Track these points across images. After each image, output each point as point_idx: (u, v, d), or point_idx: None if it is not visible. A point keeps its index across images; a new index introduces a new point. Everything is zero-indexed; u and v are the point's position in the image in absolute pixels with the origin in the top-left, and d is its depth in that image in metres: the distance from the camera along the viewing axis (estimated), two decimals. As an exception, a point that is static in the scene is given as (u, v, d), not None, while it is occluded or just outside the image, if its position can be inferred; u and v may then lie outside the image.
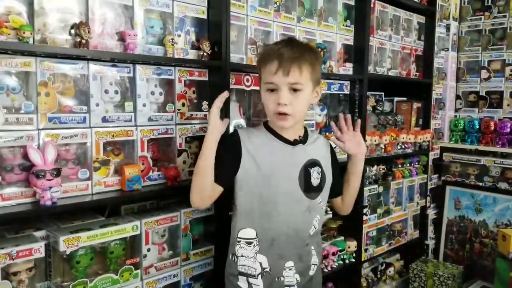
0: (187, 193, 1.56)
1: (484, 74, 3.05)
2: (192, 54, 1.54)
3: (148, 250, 1.43)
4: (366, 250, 2.27)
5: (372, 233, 2.32)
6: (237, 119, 1.69)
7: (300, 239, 1.31)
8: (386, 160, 2.40)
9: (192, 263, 1.55)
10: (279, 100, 1.22)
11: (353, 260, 2.15)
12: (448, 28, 3.01)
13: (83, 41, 1.23)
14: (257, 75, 1.38)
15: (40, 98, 1.21)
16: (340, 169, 1.50)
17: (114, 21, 1.36)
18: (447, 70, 3.03)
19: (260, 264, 1.27)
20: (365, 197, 2.20)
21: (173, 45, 1.45)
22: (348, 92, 2.14)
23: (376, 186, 2.28)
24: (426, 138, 2.60)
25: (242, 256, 1.29)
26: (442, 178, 3.02)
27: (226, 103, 1.57)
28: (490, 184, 2.82)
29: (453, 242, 2.90)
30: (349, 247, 2.12)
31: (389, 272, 2.57)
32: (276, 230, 1.27)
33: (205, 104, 1.59)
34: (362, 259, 2.24)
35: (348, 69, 2.14)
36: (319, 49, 1.89)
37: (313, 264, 1.36)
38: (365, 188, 2.18)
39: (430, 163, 2.84)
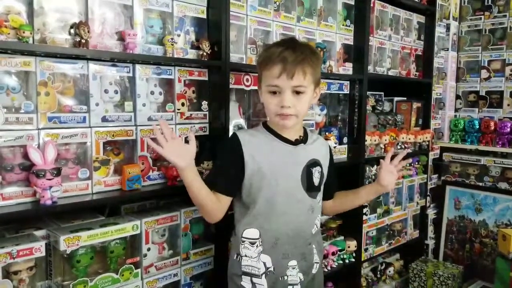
0: (187, 193, 1.56)
1: (484, 74, 3.05)
2: (191, 54, 1.54)
3: (148, 249, 1.43)
4: (366, 249, 2.27)
5: (372, 233, 2.32)
6: (236, 119, 1.69)
7: (303, 238, 1.32)
8: (386, 159, 2.40)
9: (192, 262, 1.56)
10: (283, 103, 1.22)
11: (353, 259, 2.15)
12: (448, 27, 3.01)
13: (83, 41, 1.23)
14: (256, 74, 1.38)
15: (40, 97, 1.21)
16: (334, 172, 1.51)
17: (114, 20, 1.37)
18: (447, 70, 3.03)
19: (264, 263, 1.28)
20: (365, 197, 2.20)
21: (172, 44, 1.45)
22: (348, 92, 2.14)
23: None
24: (426, 138, 2.60)
25: (246, 256, 1.29)
26: (442, 178, 3.02)
27: (226, 104, 1.57)
28: (490, 184, 2.82)
29: (453, 242, 2.90)
30: (349, 247, 2.12)
31: (389, 272, 2.57)
32: (279, 230, 1.28)
33: (204, 104, 1.59)
34: (362, 259, 2.24)
35: (347, 69, 2.14)
36: (319, 49, 1.89)
37: (315, 263, 1.37)
38: (365, 188, 2.18)
39: (430, 163, 2.84)
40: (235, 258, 1.33)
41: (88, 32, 1.24)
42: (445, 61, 3.02)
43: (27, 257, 1.17)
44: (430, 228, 2.91)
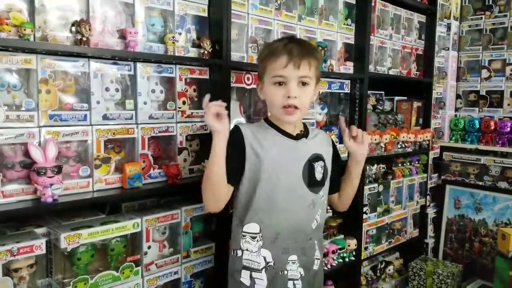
0: (188, 191, 1.56)
1: (484, 73, 3.05)
2: (192, 52, 1.54)
3: (149, 247, 1.44)
4: (366, 248, 2.27)
5: (372, 232, 2.32)
6: (237, 118, 1.69)
7: (304, 233, 1.32)
8: (386, 159, 2.40)
9: (192, 260, 1.56)
10: (289, 93, 1.23)
11: (353, 258, 2.16)
12: (448, 27, 3.01)
13: (84, 39, 1.23)
14: (257, 73, 1.38)
15: (41, 95, 1.21)
16: (341, 166, 1.50)
17: (115, 18, 1.37)
18: (448, 69, 3.03)
19: (264, 258, 1.28)
20: (365, 196, 2.20)
21: (174, 43, 1.45)
22: (349, 91, 2.14)
23: (376, 185, 2.28)
24: (426, 137, 2.60)
25: (247, 250, 1.29)
26: (442, 177, 3.03)
27: (226, 103, 1.57)
28: (490, 183, 2.82)
29: (453, 241, 2.91)
30: (349, 246, 2.12)
31: (389, 270, 2.57)
32: (280, 225, 1.28)
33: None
34: (362, 258, 2.24)
35: (348, 68, 2.14)
36: (320, 48, 1.90)
37: (316, 259, 1.36)
38: (365, 187, 2.18)
39: (430, 162, 2.84)
40: (234, 254, 1.33)
41: (89, 30, 1.24)
42: (445, 61, 3.02)
43: (28, 255, 1.17)
44: (430, 227, 2.92)
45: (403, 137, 2.40)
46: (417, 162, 2.65)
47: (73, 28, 1.25)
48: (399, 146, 2.41)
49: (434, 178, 2.99)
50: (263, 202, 1.27)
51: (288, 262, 1.29)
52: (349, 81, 2.12)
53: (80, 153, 1.32)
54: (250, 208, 1.28)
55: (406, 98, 2.67)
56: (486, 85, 3.05)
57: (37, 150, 1.17)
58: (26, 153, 1.18)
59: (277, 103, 1.26)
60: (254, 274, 1.29)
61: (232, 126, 1.60)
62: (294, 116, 1.26)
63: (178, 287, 1.54)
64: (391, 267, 2.58)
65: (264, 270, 1.28)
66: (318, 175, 1.33)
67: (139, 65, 1.40)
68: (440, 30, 2.87)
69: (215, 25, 1.57)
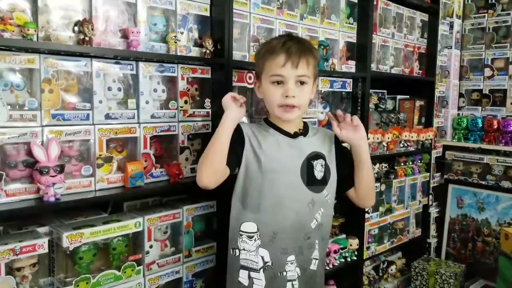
0: (190, 190, 1.56)
1: (487, 72, 3.04)
2: (194, 52, 1.54)
3: (151, 246, 1.44)
4: (368, 248, 2.27)
5: (374, 231, 2.32)
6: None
7: (301, 232, 1.29)
8: (388, 158, 2.40)
9: (194, 259, 1.56)
10: (288, 93, 1.23)
11: (355, 258, 2.15)
12: (451, 25, 3.00)
13: (87, 38, 1.23)
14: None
15: (43, 95, 1.22)
16: (350, 159, 1.43)
17: (117, 18, 1.37)
18: (450, 68, 3.02)
19: (262, 258, 1.27)
20: (367, 195, 2.20)
21: (176, 42, 1.45)
22: (351, 90, 2.13)
23: (378, 184, 2.28)
24: (429, 136, 2.60)
25: (244, 249, 1.29)
26: (445, 176, 3.02)
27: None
28: (493, 182, 2.81)
29: (455, 240, 2.90)
30: (351, 245, 2.12)
31: (391, 270, 2.57)
32: (277, 224, 1.27)
33: (207, 101, 1.60)
34: (364, 257, 2.24)
35: (350, 66, 2.14)
36: (322, 47, 1.90)
37: (314, 258, 1.33)
38: (367, 186, 2.18)
39: (433, 161, 2.83)
40: (232, 253, 1.32)
41: (92, 29, 1.24)
42: (448, 59, 3.00)
43: (30, 254, 1.17)
44: (433, 227, 2.91)
45: (406, 136, 2.39)
46: (419, 161, 2.64)
47: (76, 28, 1.25)
48: (401, 145, 2.40)
49: (436, 178, 2.98)
50: (260, 201, 1.26)
51: (287, 263, 1.28)
52: (351, 80, 2.12)
53: (82, 152, 1.32)
54: (247, 207, 1.28)
55: (408, 97, 2.66)
56: (489, 84, 3.04)
57: (40, 149, 1.18)
58: (29, 153, 1.19)
59: (275, 102, 1.26)
60: (252, 274, 1.28)
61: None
62: (292, 114, 1.26)
63: (179, 286, 1.54)
64: (393, 267, 2.58)
65: (262, 270, 1.27)
66: (318, 174, 1.32)
67: (141, 64, 1.41)
68: (442, 28, 2.86)
69: (217, 24, 1.57)
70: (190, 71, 1.54)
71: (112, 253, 1.36)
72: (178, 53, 1.48)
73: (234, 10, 1.56)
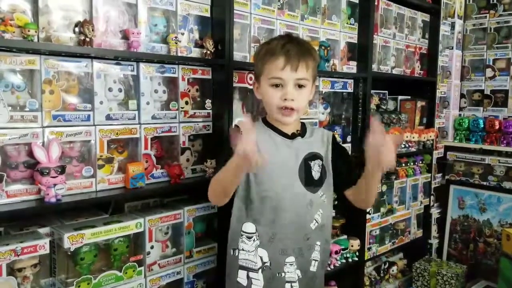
0: (191, 191, 1.56)
1: (489, 72, 3.03)
2: (195, 52, 1.54)
3: (152, 247, 1.44)
4: (369, 249, 2.26)
5: (376, 232, 2.31)
6: (240, 118, 1.68)
7: (300, 233, 1.29)
8: (389, 158, 2.39)
9: (195, 260, 1.56)
10: (286, 96, 1.23)
11: (356, 258, 2.15)
12: (453, 26, 2.99)
13: (87, 39, 1.24)
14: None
15: (44, 96, 1.22)
16: (349, 159, 1.44)
17: (118, 19, 1.37)
18: (452, 68, 3.02)
19: (261, 258, 1.27)
20: (369, 196, 2.20)
21: (176, 43, 1.45)
22: (352, 91, 2.13)
23: (379, 184, 2.27)
24: (430, 137, 2.59)
25: (243, 250, 1.28)
26: (446, 177, 3.01)
27: (229, 103, 1.57)
28: (495, 183, 2.80)
29: (457, 241, 2.89)
30: (352, 246, 2.12)
31: (392, 271, 2.56)
32: (276, 225, 1.27)
33: (208, 102, 1.60)
34: (365, 258, 2.24)
35: (351, 67, 2.14)
36: (323, 47, 1.89)
37: (313, 260, 1.33)
38: (368, 187, 2.17)
39: (434, 162, 2.83)
40: (232, 253, 1.32)
41: (93, 30, 1.25)
42: (449, 60, 3.00)
43: (31, 255, 1.17)
44: (434, 228, 2.91)
45: (407, 137, 2.39)
46: (421, 162, 2.64)
47: (77, 29, 1.25)
48: (402, 146, 2.40)
49: (438, 178, 2.97)
50: (258, 202, 1.26)
51: (286, 264, 1.28)
52: (352, 80, 2.12)
53: (83, 153, 1.32)
54: (246, 207, 1.28)
55: (409, 97, 2.65)
56: (490, 84, 3.03)
57: (41, 150, 1.18)
58: (30, 153, 1.19)
59: (274, 104, 1.25)
60: (251, 274, 1.28)
61: (234, 125, 1.62)
62: (291, 117, 1.26)
63: (180, 287, 1.54)
64: (394, 268, 2.57)
65: (260, 270, 1.27)
66: (316, 174, 1.31)
67: (142, 65, 1.41)
68: (444, 29, 2.86)
69: (217, 25, 1.57)
70: (191, 72, 1.54)
71: (113, 254, 1.36)
72: (179, 54, 1.48)
73: (234, 11, 1.56)
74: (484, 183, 2.85)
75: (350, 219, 2.14)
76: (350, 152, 2.12)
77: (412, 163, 2.56)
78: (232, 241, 1.32)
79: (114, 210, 1.50)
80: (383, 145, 1.10)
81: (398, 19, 2.44)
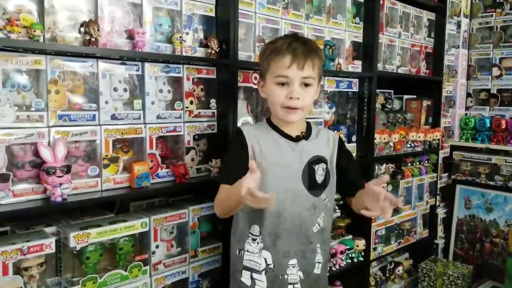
0: (195, 190, 1.56)
1: (495, 71, 3.01)
2: (200, 52, 1.54)
3: (157, 246, 1.44)
4: (374, 249, 2.25)
5: (381, 232, 2.30)
6: (244, 117, 1.69)
7: (303, 236, 1.29)
8: (395, 158, 2.38)
9: (200, 260, 1.56)
10: (292, 94, 1.22)
11: (362, 259, 2.14)
12: (458, 25, 2.97)
13: (93, 39, 1.24)
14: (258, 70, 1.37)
15: (50, 95, 1.23)
16: (353, 166, 1.43)
17: (123, 19, 1.37)
18: (458, 67, 3.00)
19: (265, 260, 1.27)
20: (374, 196, 2.19)
21: (181, 43, 1.46)
22: (357, 90, 2.12)
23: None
24: (436, 136, 2.58)
25: (248, 251, 1.29)
26: (452, 177, 2.99)
27: (234, 102, 1.57)
28: (501, 183, 2.78)
29: (463, 241, 2.87)
30: (357, 246, 2.11)
31: (398, 271, 2.55)
32: (279, 228, 1.27)
33: (213, 102, 1.60)
34: (371, 258, 2.23)
35: (357, 66, 2.13)
36: (328, 46, 1.89)
37: (317, 262, 1.33)
38: (373, 187, 2.17)
39: (440, 161, 2.81)
40: (237, 253, 1.32)
41: (98, 30, 1.25)
42: (455, 59, 2.98)
43: (38, 254, 1.18)
44: (440, 228, 2.89)
45: (413, 136, 2.38)
46: (426, 162, 2.62)
47: (82, 29, 1.26)
48: (408, 146, 2.39)
49: (444, 178, 2.95)
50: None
51: (289, 266, 1.28)
52: (357, 79, 2.11)
53: (88, 152, 1.33)
54: (250, 210, 1.27)
55: (415, 96, 2.64)
56: (497, 84, 3.00)
57: (47, 150, 1.18)
58: (36, 153, 1.20)
59: (279, 103, 1.25)
60: (255, 275, 1.28)
61: (239, 124, 1.62)
62: (296, 115, 1.25)
63: (186, 286, 1.54)
64: (400, 268, 2.56)
65: (264, 272, 1.28)
66: (319, 178, 1.30)
67: (147, 65, 1.41)
68: (450, 27, 2.84)
69: (222, 24, 1.57)
70: (196, 72, 1.54)
71: (119, 253, 1.37)
72: (184, 54, 1.48)
73: (239, 10, 1.56)
74: (491, 182, 2.82)
75: (355, 219, 2.13)
76: (355, 152, 2.12)
77: (418, 163, 2.55)
78: (240, 242, 1.32)
79: (119, 210, 1.51)
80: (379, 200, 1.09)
81: (404, 18, 2.43)
